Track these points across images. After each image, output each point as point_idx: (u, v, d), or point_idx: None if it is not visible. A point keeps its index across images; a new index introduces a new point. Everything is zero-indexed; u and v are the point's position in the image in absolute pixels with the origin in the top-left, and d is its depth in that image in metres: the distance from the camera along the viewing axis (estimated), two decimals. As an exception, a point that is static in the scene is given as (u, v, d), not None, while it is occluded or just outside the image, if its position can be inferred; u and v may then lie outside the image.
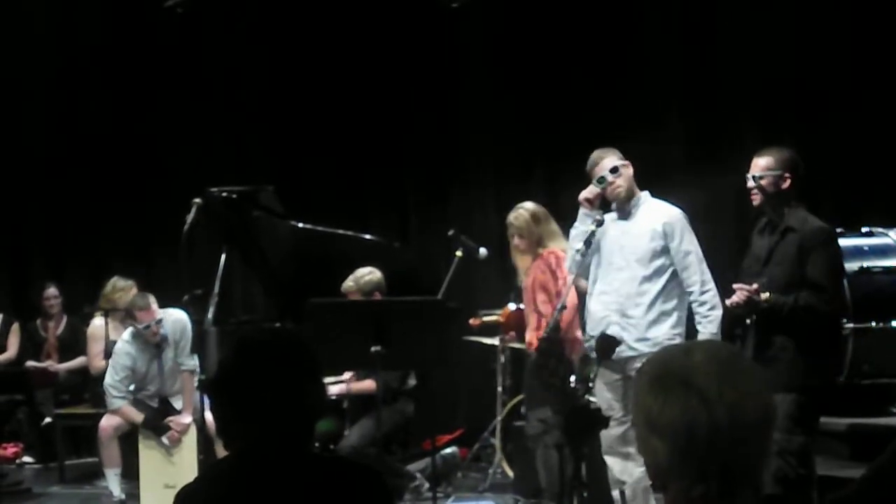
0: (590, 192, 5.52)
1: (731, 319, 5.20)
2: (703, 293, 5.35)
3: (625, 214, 5.55)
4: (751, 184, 5.01)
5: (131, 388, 7.27)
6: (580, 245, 5.49)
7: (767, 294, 4.80)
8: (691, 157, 8.38)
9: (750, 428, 1.78)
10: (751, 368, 1.86)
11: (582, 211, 5.56)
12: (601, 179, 5.48)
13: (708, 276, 5.39)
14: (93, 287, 8.76)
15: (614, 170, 5.47)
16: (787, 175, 4.94)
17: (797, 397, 4.74)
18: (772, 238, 4.99)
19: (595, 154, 5.59)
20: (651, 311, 5.39)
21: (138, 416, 7.20)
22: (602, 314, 5.49)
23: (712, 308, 5.29)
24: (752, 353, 4.81)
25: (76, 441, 8.68)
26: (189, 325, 7.18)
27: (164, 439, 7.12)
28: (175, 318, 7.26)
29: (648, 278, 5.41)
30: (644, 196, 5.57)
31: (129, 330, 7.32)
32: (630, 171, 5.55)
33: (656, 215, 5.48)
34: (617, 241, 5.51)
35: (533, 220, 6.31)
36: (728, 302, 4.99)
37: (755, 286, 4.79)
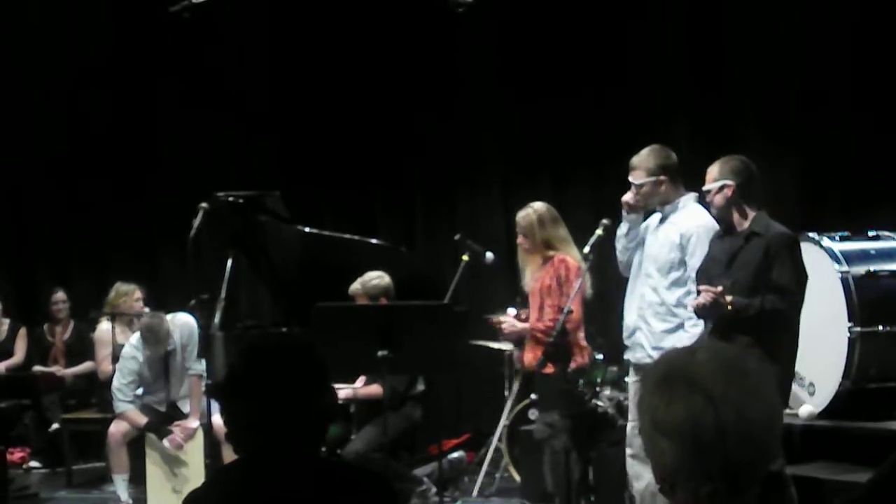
0: (631, 197, 5.47)
1: None
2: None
3: (661, 220, 5.48)
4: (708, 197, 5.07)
5: (138, 392, 7.28)
6: (620, 246, 5.55)
7: (731, 297, 4.79)
8: (696, 161, 8.34)
9: (756, 427, 1.77)
10: (756, 368, 1.85)
11: (623, 213, 5.52)
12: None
13: None
14: (99, 292, 8.76)
15: (641, 184, 5.40)
16: (728, 184, 4.96)
17: None
18: (733, 242, 4.99)
19: (639, 154, 5.47)
20: (666, 322, 5.36)
21: (141, 419, 7.21)
22: (630, 319, 5.51)
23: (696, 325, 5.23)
24: None
25: (83, 446, 8.66)
26: (196, 330, 7.18)
27: (165, 442, 7.12)
28: (182, 323, 7.27)
29: (667, 288, 5.37)
30: (682, 202, 5.45)
31: (137, 334, 7.33)
32: (657, 181, 5.39)
33: (680, 226, 5.38)
34: (649, 248, 5.48)
35: (538, 222, 6.09)
36: (693, 303, 4.97)
37: (720, 288, 4.78)
